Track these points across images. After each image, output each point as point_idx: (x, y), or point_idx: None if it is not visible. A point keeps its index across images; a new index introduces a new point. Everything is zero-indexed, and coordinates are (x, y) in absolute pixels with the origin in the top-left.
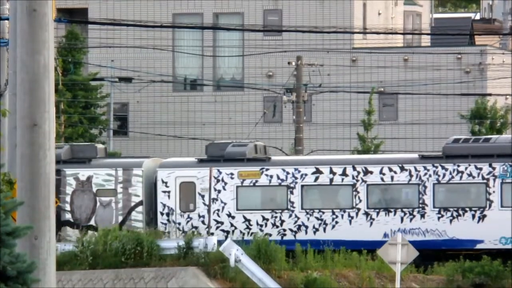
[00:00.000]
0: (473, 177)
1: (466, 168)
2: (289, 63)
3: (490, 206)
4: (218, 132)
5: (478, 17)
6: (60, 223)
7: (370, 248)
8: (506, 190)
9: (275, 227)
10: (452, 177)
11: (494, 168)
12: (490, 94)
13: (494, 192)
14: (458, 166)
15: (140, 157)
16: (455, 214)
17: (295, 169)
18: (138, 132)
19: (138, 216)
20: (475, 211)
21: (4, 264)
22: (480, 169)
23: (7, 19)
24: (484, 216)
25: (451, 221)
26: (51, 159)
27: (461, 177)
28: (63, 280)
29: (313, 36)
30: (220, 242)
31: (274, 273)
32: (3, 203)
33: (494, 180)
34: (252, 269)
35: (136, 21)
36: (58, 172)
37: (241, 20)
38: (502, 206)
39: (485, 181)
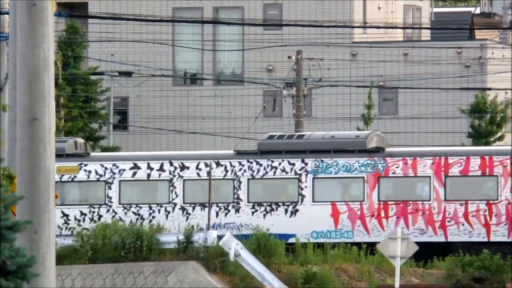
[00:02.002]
0: (286, 173)
1: (279, 164)
2: (289, 57)
3: (302, 201)
4: (218, 126)
5: (478, 11)
6: None
7: None
8: (318, 185)
9: (93, 221)
10: (266, 172)
11: (306, 164)
12: (490, 89)
13: (306, 187)
14: (272, 161)
15: None
16: (268, 208)
17: (113, 165)
18: (138, 127)
19: None
20: (288, 205)
21: (4, 259)
22: (293, 164)
23: (7, 13)
24: (297, 210)
25: (264, 215)
26: (51, 153)
27: (275, 172)
28: (63, 275)
29: (313, 30)
30: (219, 237)
31: (274, 267)
32: (3, 197)
33: (306, 175)
34: (251, 263)
35: (136, 15)
36: None
37: (241, 14)
38: (313, 201)
39: (297, 176)
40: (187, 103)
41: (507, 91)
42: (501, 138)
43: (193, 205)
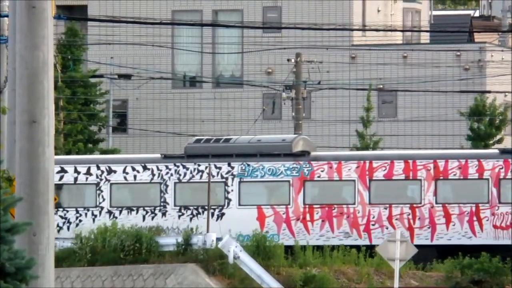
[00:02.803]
0: (213, 176)
1: (206, 168)
2: (288, 60)
3: (228, 204)
4: (218, 128)
5: (477, 14)
6: None
7: None
8: (244, 189)
9: None
10: (193, 176)
11: (232, 168)
12: (489, 91)
13: (232, 191)
14: (199, 165)
15: None
16: (195, 212)
17: None
18: (137, 129)
19: None
20: (215, 209)
21: (3, 261)
22: (220, 168)
23: (7, 16)
24: (223, 214)
25: (191, 219)
26: (50, 155)
27: (201, 176)
28: (62, 277)
29: (312, 33)
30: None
31: (273, 269)
32: (2, 199)
33: (233, 179)
34: (250, 265)
35: (136, 18)
36: None
37: (241, 17)
38: (239, 205)
39: (224, 180)
40: (187, 105)
41: (506, 93)
42: (500, 141)
43: (120, 209)
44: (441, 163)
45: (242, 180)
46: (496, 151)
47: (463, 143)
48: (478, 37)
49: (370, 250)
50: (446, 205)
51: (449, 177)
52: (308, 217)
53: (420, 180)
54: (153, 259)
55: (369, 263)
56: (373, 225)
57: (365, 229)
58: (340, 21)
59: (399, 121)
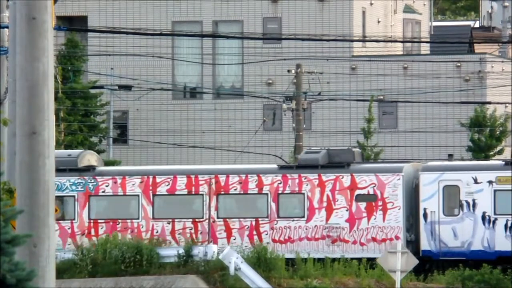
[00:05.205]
0: None
1: None
2: (288, 71)
3: None
4: (218, 140)
5: (477, 25)
6: None
7: None
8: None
9: None
10: None
11: None
12: (489, 102)
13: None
14: None
15: None
16: None
17: None
18: (138, 140)
19: None
20: None
21: (4, 272)
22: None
23: (7, 27)
24: None
25: None
26: (51, 167)
27: None
28: None
29: (312, 44)
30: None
31: (274, 281)
32: (2, 211)
33: None
34: (252, 277)
35: (136, 29)
36: None
37: (241, 28)
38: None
39: None
40: (187, 116)
41: (507, 105)
42: (500, 152)
43: None
44: (222, 178)
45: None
46: (275, 166)
47: (463, 154)
48: (478, 48)
49: None
50: (227, 219)
51: (230, 192)
52: (93, 232)
53: (202, 195)
54: (154, 270)
55: (370, 275)
56: (157, 239)
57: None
58: (340, 32)
59: (400, 132)
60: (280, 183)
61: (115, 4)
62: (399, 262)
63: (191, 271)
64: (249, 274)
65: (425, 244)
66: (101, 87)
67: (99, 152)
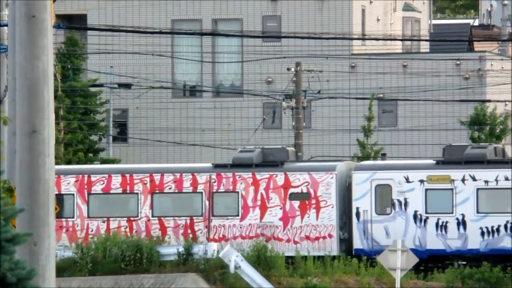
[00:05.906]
0: None
1: None
2: (288, 69)
3: None
4: (218, 138)
5: (477, 23)
6: None
7: None
8: None
9: None
10: None
11: None
12: (489, 101)
13: None
14: None
15: None
16: None
17: None
18: (137, 138)
19: None
20: None
21: (4, 271)
22: None
23: (6, 25)
24: None
25: None
26: (51, 166)
27: None
28: (63, 287)
29: (312, 42)
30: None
31: (274, 279)
32: (3, 210)
33: None
34: (251, 275)
35: (135, 27)
36: None
37: (240, 26)
38: None
39: None
40: (187, 115)
41: (507, 103)
42: None
43: None
44: (157, 177)
45: None
46: (210, 165)
47: None
48: (478, 46)
49: None
50: (162, 218)
51: (165, 191)
52: None
53: (137, 193)
54: (154, 269)
55: (370, 273)
56: (91, 238)
57: (84, 242)
58: (340, 30)
59: (400, 130)
60: (214, 182)
61: (114, 3)
62: (399, 260)
63: (191, 269)
64: (249, 272)
65: (358, 242)
66: (101, 85)
67: (98, 150)
